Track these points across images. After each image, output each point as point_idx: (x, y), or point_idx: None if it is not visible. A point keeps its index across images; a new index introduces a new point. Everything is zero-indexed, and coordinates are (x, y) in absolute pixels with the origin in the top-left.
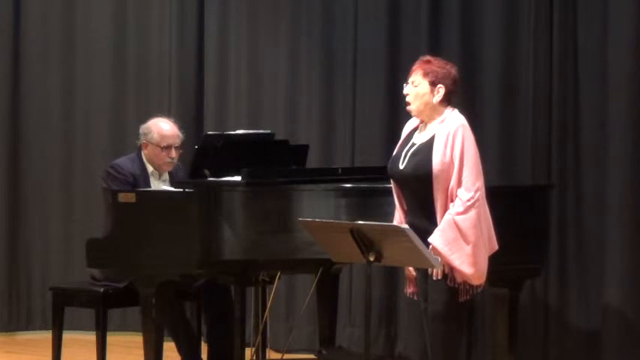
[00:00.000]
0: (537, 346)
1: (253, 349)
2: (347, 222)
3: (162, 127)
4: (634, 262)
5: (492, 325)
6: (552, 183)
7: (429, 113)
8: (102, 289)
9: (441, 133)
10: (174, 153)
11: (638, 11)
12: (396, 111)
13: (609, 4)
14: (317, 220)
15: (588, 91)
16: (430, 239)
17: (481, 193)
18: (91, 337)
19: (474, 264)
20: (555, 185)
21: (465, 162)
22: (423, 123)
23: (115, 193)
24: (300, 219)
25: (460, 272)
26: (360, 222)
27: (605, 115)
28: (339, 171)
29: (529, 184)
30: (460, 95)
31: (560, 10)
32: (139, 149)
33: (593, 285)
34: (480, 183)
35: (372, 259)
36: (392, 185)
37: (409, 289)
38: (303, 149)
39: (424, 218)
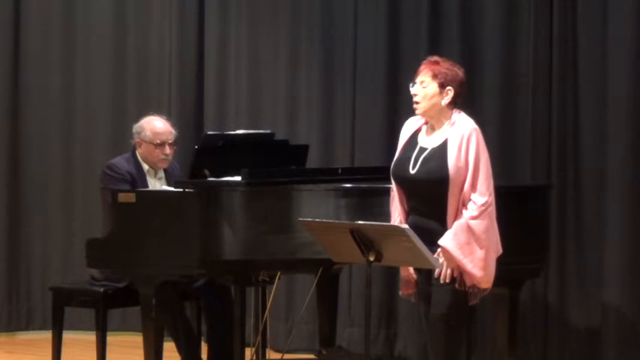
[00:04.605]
0: (537, 346)
1: (253, 349)
2: (347, 222)
3: (155, 125)
4: (634, 261)
5: (492, 325)
6: (552, 183)
7: (436, 115)
8: (102, 289)
9: (454, 136)
10: (168, 150)
11: (638, 11)
12: (396, 111)
13: (609, 4)
14: (317, 220)
15: (588, 92)
16: (441, 242)
17: (493, 198)
18: (91, 337)
19: (485, 268)
20: (555, 185)
21: (480, 167)
22: (428, 125)
23: (115, 193)
24: (300, 219)
25: (471, 275)
26: (360, 222)
27: (605, 115)
28: (339, 171)
29: (529, 184)
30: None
31: (560, 10)
32: (134, 148)
33: (593, 284)
34: (492, 187)
35: (372, 259)
36: (393, 187)
37: (406, 291)
38: (303, 149)
39: (434, 221)
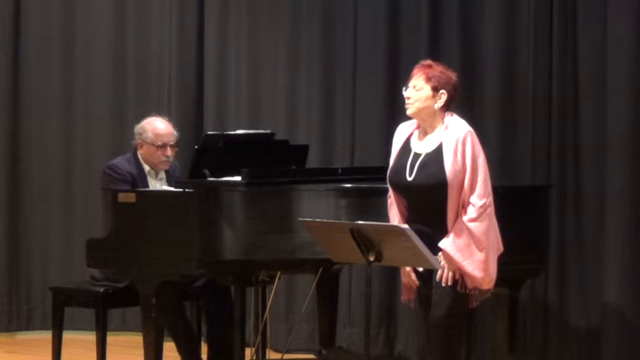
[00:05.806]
0: (537, 346)
1: (253, 349)
2: (347, 222)
3: (157, 126)
4: (634, 261)
5: (492, 325)
6: (552, 183)
7: (429, 118)
8: (102, 289)
9: (449, 140)
10: (169, 151)
11: (638, 11)
12: (396, 111)
13: (609, 4)
14: (317, 220)
15: (588, 91)
16: (442, 245)
17: (491, 199)
18: (91, 337)
19: (485, 269)
20: (555, 185)
21: (478, 168)
22: (420, 129)
23: (115, 193)
24: (300, 219)
25: (471, 277)
26: (360, 222)
27: (605, 115)
28: (339, 171)
29: (529, 184)
30: (460, 95)
31: (560, 10)
32: (135, 149)
33: (592, 285)
34: (490, 188)
35: (372, 259)
36: (390, 194)
37: (407, 296)
38: (303, 149)
39: (434, 226)
